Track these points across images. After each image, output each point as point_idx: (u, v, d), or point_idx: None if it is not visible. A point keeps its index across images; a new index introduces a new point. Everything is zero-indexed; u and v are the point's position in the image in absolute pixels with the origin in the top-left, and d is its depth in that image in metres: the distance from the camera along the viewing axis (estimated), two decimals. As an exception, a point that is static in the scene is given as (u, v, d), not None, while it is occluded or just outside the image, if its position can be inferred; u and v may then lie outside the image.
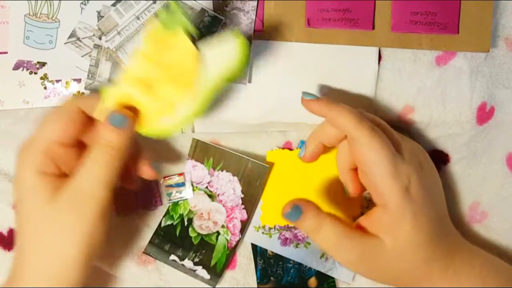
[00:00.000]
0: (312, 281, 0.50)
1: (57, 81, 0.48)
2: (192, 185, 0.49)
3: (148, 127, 0.42)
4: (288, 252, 0.49)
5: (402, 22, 0.46)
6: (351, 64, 0.47)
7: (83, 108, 0.43)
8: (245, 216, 0.49)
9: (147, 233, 0.50)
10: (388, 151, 0.40)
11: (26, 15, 0.47)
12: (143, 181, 0.46)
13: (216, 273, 0.49)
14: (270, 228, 0.49)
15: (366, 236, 0.42)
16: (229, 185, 0.49)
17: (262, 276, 0.50)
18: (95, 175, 0.40)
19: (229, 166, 0.49)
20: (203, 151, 0.49)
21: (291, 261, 0.49)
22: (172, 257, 0.49)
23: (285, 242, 0.49)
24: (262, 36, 0.46)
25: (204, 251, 0.49)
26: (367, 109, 0.46)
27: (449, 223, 0.45)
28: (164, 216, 0.49)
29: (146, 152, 0.46)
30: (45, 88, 0.48)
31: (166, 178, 0.50)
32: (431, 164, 0.45)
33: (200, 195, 0.49)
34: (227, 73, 0.41)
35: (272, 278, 0.50)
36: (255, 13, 0.46)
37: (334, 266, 0.49)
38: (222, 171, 0.49)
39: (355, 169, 0.45)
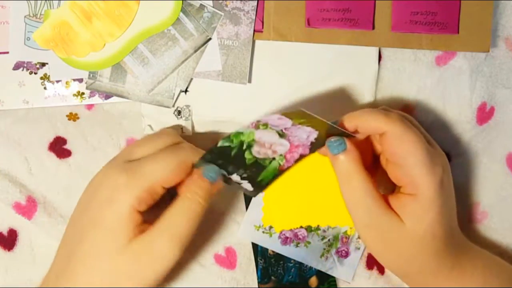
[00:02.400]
0: (313, 281, 0.50)
1: (57, 81, 0.48)
2: (267, 126, 0.42)
3: (75, 56, 0.46)
4: (288, 251, 0.49)
5: (402, 22, 0.46)
6: (351, 64, 0.47)
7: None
8: (307, 151, 0.44)
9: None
10: (423, 142, 0.40)
11: (26, 16, 0.47)
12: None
13: (260, 186, 0.45)
14: (270, 227, 0.49)
15: (390, 210, 0.41)
16: (305, 133, 0.43)
17: (263, 275, 0.50)
18: (173, 232, 0.39)
19: (315, 126, 0.43)
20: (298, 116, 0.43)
21: (291, 261, 0.49)
22: (221, 171, 0.44)
23: (285, 241, 0.49)
24: (262, 36, 0.46)
25: (254, 169, 0.44)
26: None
27: (457, 222, 0.45)
28: (223, 139, 0.42)
29: None
30: (45, 88, 0.48)
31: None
32: (448, 162, 0.45)
33: (269, 132, 0.43)
34: (153, 27, 0.45)
35: (273, 277, 0.50)
36: (255, 13, 0.46)
37: (335, 265, 0.49)
38: (305, 125, 0.43)
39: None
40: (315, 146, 0.43)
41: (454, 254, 0.43)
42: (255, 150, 0.43)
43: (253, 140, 0.42)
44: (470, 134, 0.49)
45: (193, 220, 0.40)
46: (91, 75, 0.48)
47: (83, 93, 0.48)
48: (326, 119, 0.41)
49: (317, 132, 0.42)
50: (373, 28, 0.46)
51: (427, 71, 0.48)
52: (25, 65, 0.48)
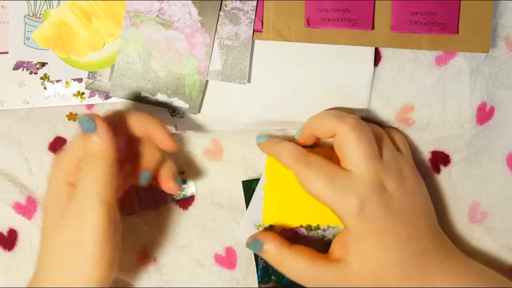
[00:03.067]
0: None
1: (57, 81, 0.48)
2: (140, 16, 0.45)
3: (75, 56, 0.46)
4: None
5: (402, 22, 0.46)
6: (348, 64, 0.47)
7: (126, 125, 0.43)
8: (208, 40, 0.46)
9: (148, 233, 0.50)
10: (324, 180, 0.42)
11: (26, 15, 0.48)
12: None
13: (194, 100, 0.46)
14: (271, 227, 0.49)
15: (331, 263, 0.42)
16: (182, 10, 0.45)
17: (263, 275, 0.50)
18: (87, 190, 0.40)
19: None
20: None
21: None
22: (143, 94, 0.45)
23: None
24: (261, 36, 0.46)
25: (174, 81, 0.45)
26: (363, 109, 0.47)
27: (436, 236, 0.45)
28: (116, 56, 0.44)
29: (170, 166, 0.46)
30: (45, 88, 0.48)
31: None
32: (415, 179, 0.45)
33: (151, 26, 0.44)
34: None
35: (273, 277, 0.50)
36: (254, 13, 0.46)
37: None
38: None
39: None
40: (210, 30, 0.45)
41: (425, 275, 0.42)
42: (157, 57, 0.43)
43: (144, 43, 0.43)
44: (470, 134, 0.49)
45: (101, 176, 0.40)
46: (90, 75, 0.48)
47: (83, 93, 0.48)
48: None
49: (189, 1, 0.43)
50: (373, 28, 0.46)
51: (427, 71, 0.48)
52: (25, 65, 0.48)
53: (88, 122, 0.40)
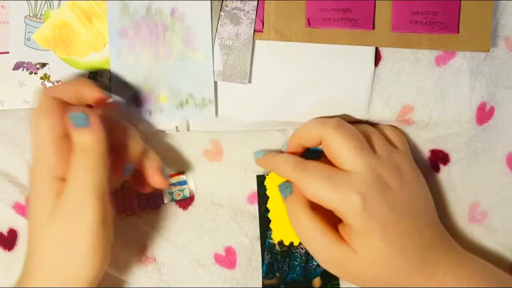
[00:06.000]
0: (317, 281, 0.50)
1: (57, 81, 0.48)
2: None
3: (76, 57, 0.46)
4: None
5: (402, 21, 0.46)
6: (349, 64, 0.47)
7: (63, 97, 0.42)
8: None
9: (148, 233, 0.50)
10: (325, 184, 0.42)
11: (26, 16, 0.47)
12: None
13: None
14: (281, 242, 0.49)
15: (341, 242, 0.42)
16: None
17: (268, 270, 0.50)
18: (81, 184, 0.39)
19: None
20: None
21: (297, 259, 0.50)
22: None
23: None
24: (262, 36, 0.46)
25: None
26: (364, 109, 0.47)
27: (437, 231, 0.45)
28: None
29: (155, 159, 0.45)
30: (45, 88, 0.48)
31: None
32: (414, 174, 0.45)
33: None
34: None
35: (277, 274, 0.50)
36: (255, 13, 0.46)
37: None
38: None
39: None
40: None
41: (428, 268, 0.42)
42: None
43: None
44: (470, 134, 0.49)
45: (92, 168, 0.40)
46: (91, 76, 0.48)
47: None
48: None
49: None
50: (373, 28, 0.46)
51: (427, 71, 0.48)
52: (25, 65, 0.48)
53: (81, 119, 0.40)
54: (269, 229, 0.48)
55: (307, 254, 0.50)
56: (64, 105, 0.41)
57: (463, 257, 0.44)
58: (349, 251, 0.42)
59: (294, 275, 0.50)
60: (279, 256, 0.50)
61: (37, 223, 0.41)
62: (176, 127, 0.48)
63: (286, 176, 0.45)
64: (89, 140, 0.40)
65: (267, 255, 0.50)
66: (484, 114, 0.48)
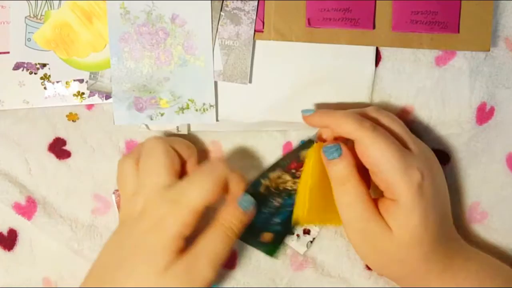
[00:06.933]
0: (267, 236, 0.48)
1: (57, 81, 0.48)
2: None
3: (76, 57, 0.46)
4: None
5: (403, 21, 0.46)
6: (349, 64, 0.47)
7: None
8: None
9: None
10: (394, 148, 0.41)
11: (26, 17, 0.47)
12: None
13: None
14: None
15: (379, 216, 0.42)
16: None
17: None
18: (211, 257, 0.41)
19: None
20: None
21: (267, 208, 0.48)
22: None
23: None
24: (262, 36, 0.47)
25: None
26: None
27: (452, 225, 0.45)
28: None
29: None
30: (45, 88, 0.48)
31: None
32: (438, 164, 0.45)
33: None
34: None
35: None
36: (255, 13, 0.46)
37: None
38: None
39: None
40: None
41: (447, 257, 0.43)
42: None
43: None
44: (469, 134, 0.49)
45: (227, 246, 0.42)
46: (92, 76, 0.48)
47: (83, 93, 0.48)
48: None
49: None
50: (374, 27, 0.46)
51: (427, 71, 0.48)
52: (25, 65, 0.48)
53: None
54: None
55: (278, 210, 0.48)
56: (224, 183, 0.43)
57: (473, 253, 0.45)
58: (385, 227, 0.42)
59: (255, 219, 0.46)
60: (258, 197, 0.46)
61: (143, 272, 0.40)
62: (177, 127, 0.48)
63: (349, 131, 0.42)
64: (241, 223, 0.43)
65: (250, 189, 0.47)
66: (484, 114, 0.49)
